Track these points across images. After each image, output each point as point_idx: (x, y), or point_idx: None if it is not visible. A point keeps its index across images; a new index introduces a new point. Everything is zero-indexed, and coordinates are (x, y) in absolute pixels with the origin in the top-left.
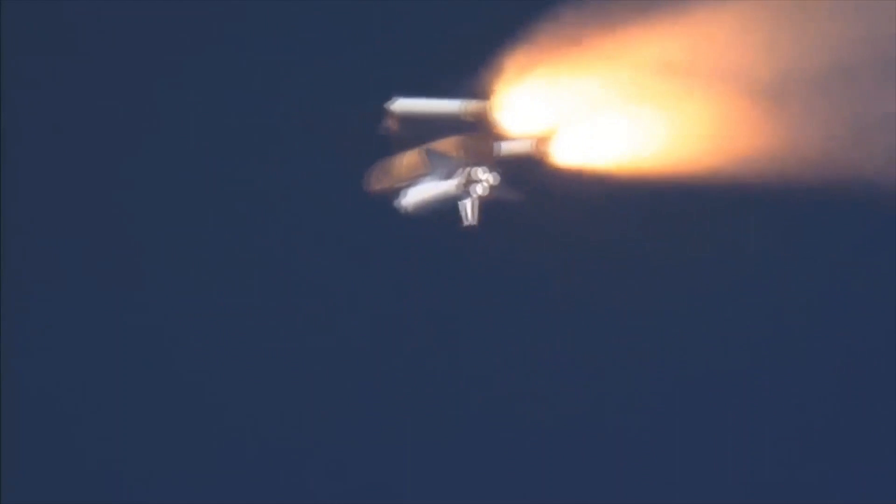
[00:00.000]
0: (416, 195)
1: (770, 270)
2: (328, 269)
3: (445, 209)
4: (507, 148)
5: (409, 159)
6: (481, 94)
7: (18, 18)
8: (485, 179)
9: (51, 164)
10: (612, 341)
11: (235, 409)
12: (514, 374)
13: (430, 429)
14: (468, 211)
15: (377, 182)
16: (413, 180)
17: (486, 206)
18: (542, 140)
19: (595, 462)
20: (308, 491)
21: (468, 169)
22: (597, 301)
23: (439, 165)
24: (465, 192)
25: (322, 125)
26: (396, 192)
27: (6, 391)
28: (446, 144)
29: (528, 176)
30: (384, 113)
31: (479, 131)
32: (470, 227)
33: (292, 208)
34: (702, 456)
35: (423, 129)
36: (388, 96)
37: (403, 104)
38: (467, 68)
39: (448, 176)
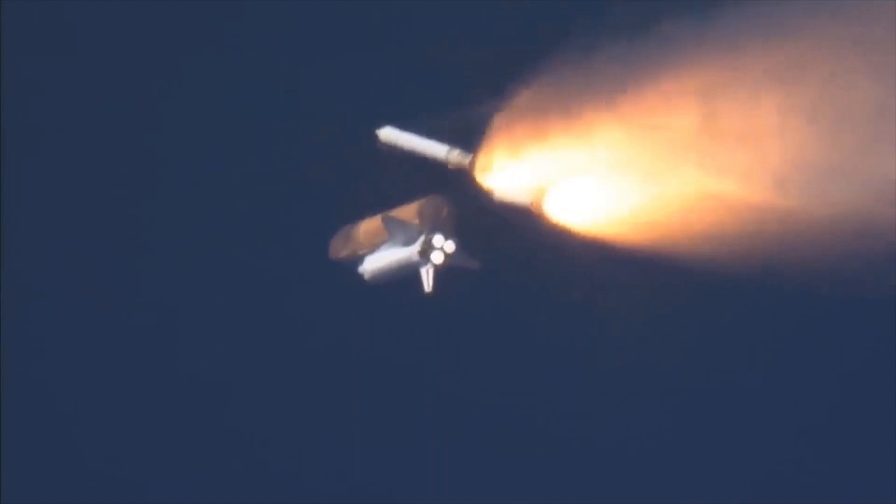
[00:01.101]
0: (375, 262)
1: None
2: (326, 271)
3: (405, 276)
4: (506, 195)
5: (368, 226)
6: (469, 146)
7: (18, 18)
8: (441, 247)
9: (51, 165)
10: (593, 397)
11: (235, 409)
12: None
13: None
14: (426, 278)
15: (340, 249)
16: (373, 247)
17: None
18: (538, 195)
19: None
20: (308, 491)
21: (426, 236)
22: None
23: (398, 232)
24: (423, 259)
25: (320, 129)
26: (359, 259)
27: (6, 391)
28: (406, 212)
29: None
30: (375, 137)
31: (458, 181)
32: (429, 295)
33: (291, 209)
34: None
35: (413, 156)
36: (383, 121)
37: (391, 134)
38: (462, 118)
39: (407, 243)
